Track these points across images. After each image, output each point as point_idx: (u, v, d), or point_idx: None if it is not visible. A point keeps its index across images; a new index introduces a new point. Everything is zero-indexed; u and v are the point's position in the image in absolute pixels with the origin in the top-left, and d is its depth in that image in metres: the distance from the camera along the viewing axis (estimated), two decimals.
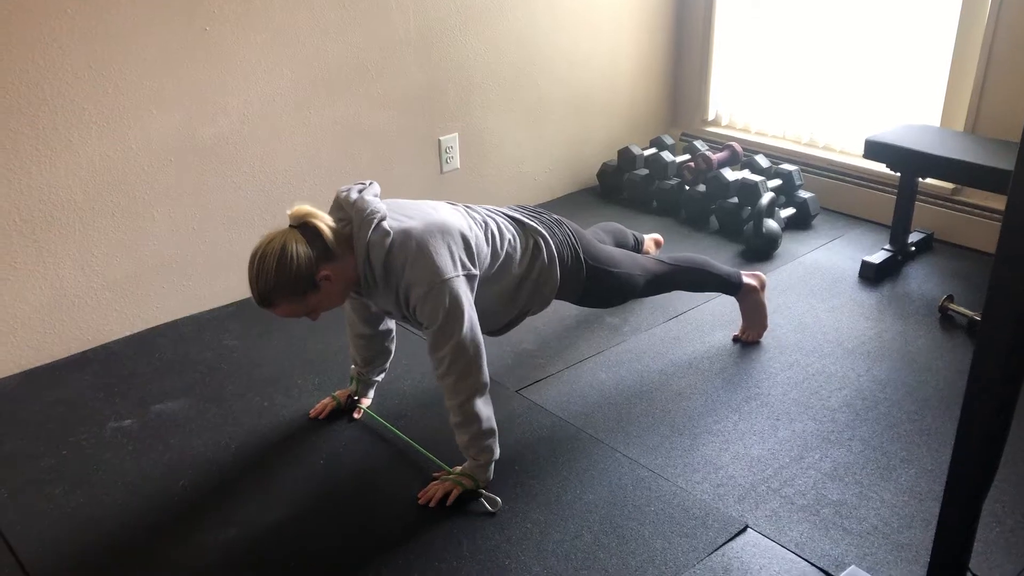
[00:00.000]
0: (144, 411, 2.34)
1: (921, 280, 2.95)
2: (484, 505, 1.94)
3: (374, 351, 2.22)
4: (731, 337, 2.60)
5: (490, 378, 1.94)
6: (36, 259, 2.47)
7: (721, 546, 1.83)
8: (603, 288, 2.27)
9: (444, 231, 1.87)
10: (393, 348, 2.27)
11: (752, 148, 3.72)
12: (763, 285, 2.57)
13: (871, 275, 2.95)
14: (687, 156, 3.69)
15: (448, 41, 3.15)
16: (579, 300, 2.28)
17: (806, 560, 1.79)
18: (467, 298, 1.86)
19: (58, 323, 2.56)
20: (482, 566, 1.79)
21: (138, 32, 2.46)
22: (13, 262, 2.43)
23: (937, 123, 3.15)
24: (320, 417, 2.26)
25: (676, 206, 3.54)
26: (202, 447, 2.19)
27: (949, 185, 3.15)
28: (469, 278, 1.88)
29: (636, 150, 3.70)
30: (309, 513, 1.96)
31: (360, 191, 1.91)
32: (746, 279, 2.53)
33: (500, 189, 3.52)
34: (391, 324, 2.24)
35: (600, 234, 2.63)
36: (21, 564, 1.83)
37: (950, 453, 1.31)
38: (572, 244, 2.17)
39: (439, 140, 3.26)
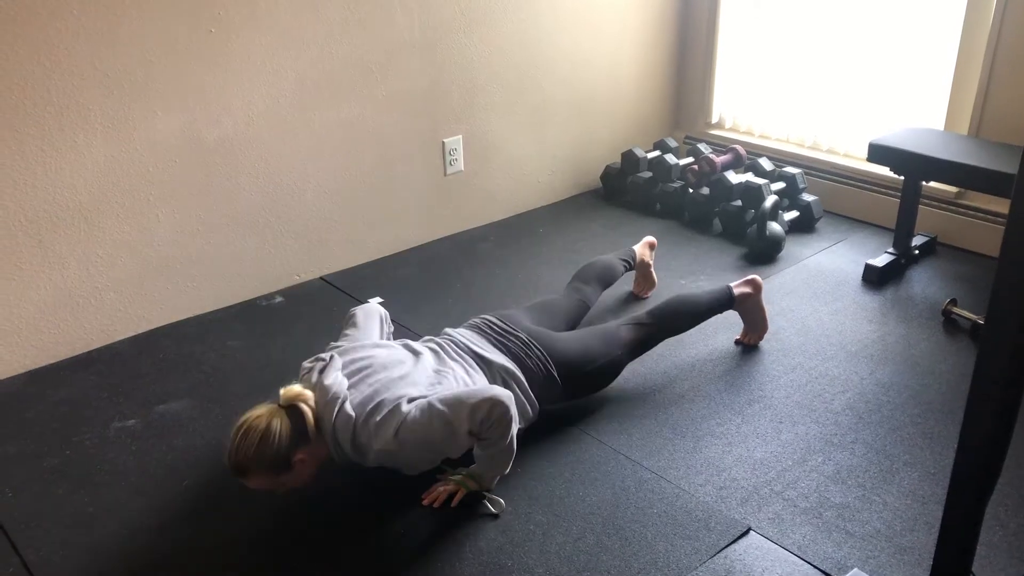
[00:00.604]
0: (148, 411, 2.34)
1: (924, 284, 2.94)
2: (487, 507, 1.94)
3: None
4: (733, 340, 2.60)
5: (515, 415, 1.92)
6: (41, 259, 2.47)
7: (724, 548, 1.83)
8: (587, 385, 2.26)
9: (399, 394, 1.87)
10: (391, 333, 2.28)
11: (756, 151, 3.72)
12: (758, 288, 2.53)
13: (874, 278, 2.95)
14: (691, 159, 3.69)
15: (452, 43, 3.15)
16: (567, 400, 2.24)
17: (808, 563, 1.79)
18: (431, 401, 1.84)
19: (62, 323, 2.57)
20: (484, 568, 1.79)
21: (144, 34, 2.47)
22: (18, 262, 2.44)
23: (941, 126, 3.15)
24: None
25: (679, 209, 3.54)
26: (205, 448, 2.19)
27: (953, 188, 3.15)
28: (422, 398, 1.88)
29: (640, 153, 3.70)
30: (311, 515, 1.96)
31: (322, 370, 1.93)
32: (737, 290, 2.49)
33: (503, 192, 3.53)
34: (388, 321, 2.26)
35: (580, 292, 2.55)
36: (25, 563, 1.83)
37: (953, 456, 1.31)
38: (543, 365, 2.13)
39: (443, 142, 3.26)
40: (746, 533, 1.87)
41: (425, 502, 1.95)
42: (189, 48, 2.56)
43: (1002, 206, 3.05)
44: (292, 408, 1.86)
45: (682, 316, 2.41)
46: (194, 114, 2.63)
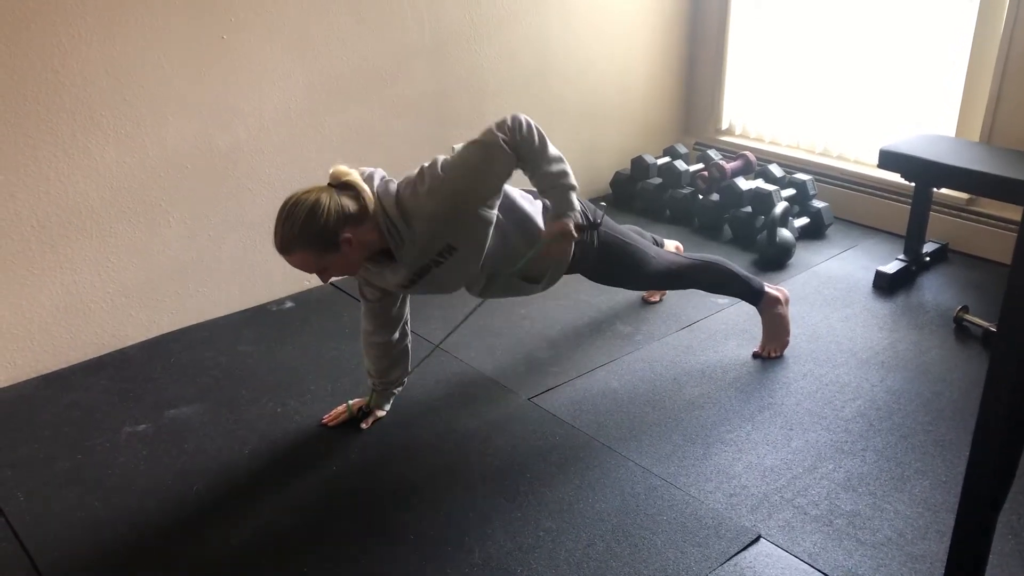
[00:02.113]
0: (159, 416, 2.35)
1: (936, 290, 2.93)
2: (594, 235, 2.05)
3: (389, 360, 2.22)
4: (751, 352, 2.57)
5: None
6: (53, 264, 2.49)
7: (734, 556, 1.82)
8: (616, 259, 2.27)
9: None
10: (409, 351, 2.27)
11: (766, 157, 3.72)
12: (787, 300, 2.53)
13: (885, 285, 2.94)
14: (701, 165, 3.69)
15: (462, 49, 3.16)
16: (593, 270, 2.27)
17: (819, 571, 1.78)
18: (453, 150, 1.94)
19: (74, 328, 2.58)
20: (494, 574, 1.79)
21: (156, 40, 2.48)
22: (31, 267, 2.45)
23: (952, 133, 3.14)
24: (331, 425, 2.27)
25: (689, 215, 3.54)
26: (216, 452, 2.20)
27: (964, 195, 3.14)
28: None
29: (649, 159, 3.70)
30: (321, 518, 1.96)
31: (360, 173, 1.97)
32: (769, 289, 2.51)
33: None
34: (406, 330, 2.24)
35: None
36: (36, 567, 1.84)
37: (965, 464, 1.31)
38: (586, 212, 2.16)
39: (453, 148, 3.26)
40: (756, 540, 1.86)
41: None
42: (201, 54, 2.57)
43: (1014, 213, 3.03)
44: (343, 186, 1.87)
45: (716, 270, 2.46)
46: (206, 120, 2.64)
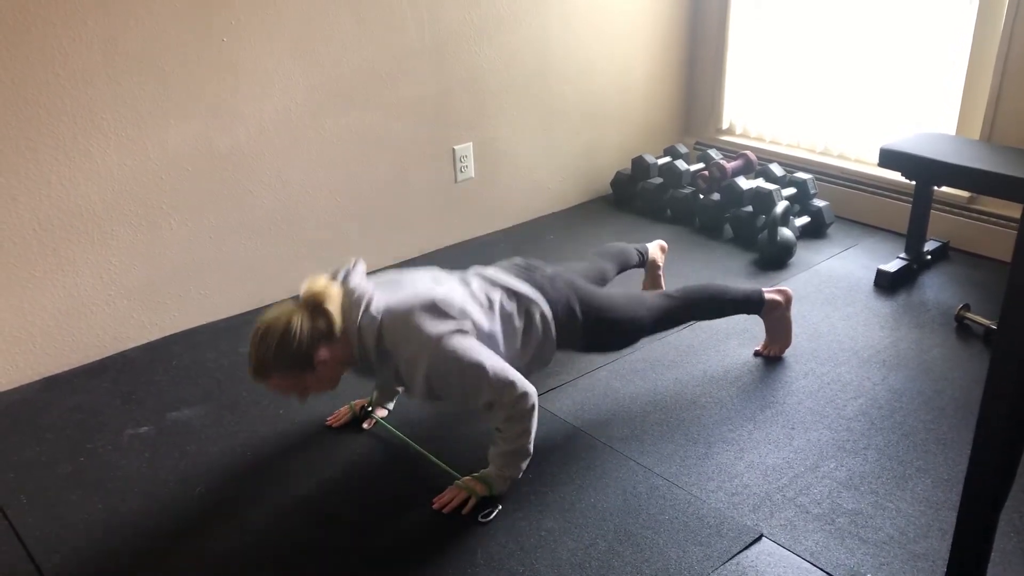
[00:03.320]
0: (160, 418, 2.35)
1: (937, 289, 2.93)
2: (480, 513, 1.94)
3: None
4: (752, 351, 2.58)
5: (536, 403, 1.93)
6: (55, 267, 2.49)
7: (736, 555, 1.82)
8: (605, 335, 2.24)
9: (431, 299, 1.87)
10: None
11: (766, 157, 3.72)
12: (788, 300, 2.51)
13: (886, 284, 2.94)
14: (701, 165, 3.69)
15: (463, 51, 3.16)
16: (583, 349, 2.25)
17: (821, 569, 1.78)
18: (471, 344, 1.86)
19: (76, 331, 2.59)
20: (496, 574, 1.79)
21: (157, 43, 2.48)
22: (32, 270, 2.45)
23: (952, 131, 3.14)
24: (335, 426, 2.27)
25: (690, 215, 3.54)
26: (218, 454, 2.20)
27: (965, 193, 3.14)
28: (460, 332, 1.87)
29: (650, 159, 3.71)
30: (324, 520, 1.96)
31: (346, 274, 1.92)
32: (769, 295, 2.47)
33: (514, 199, 3.53)
34: None
35: (600, 262, 2.57)
36: (39, 569, 1.84)
37: (967, 462, 1.31)
38: (566, 300, 2.13)
39: (453, 149, 3.27)
40: (758, 539, 1.86)
41: (436, 506, 1.96)
42: (202, 57, 2.58)
43: (1014, 211, 3.03)
44: (314, 306, 1.83)
45: (709, 300, 2.40)
46: (207, 122, 2.65)
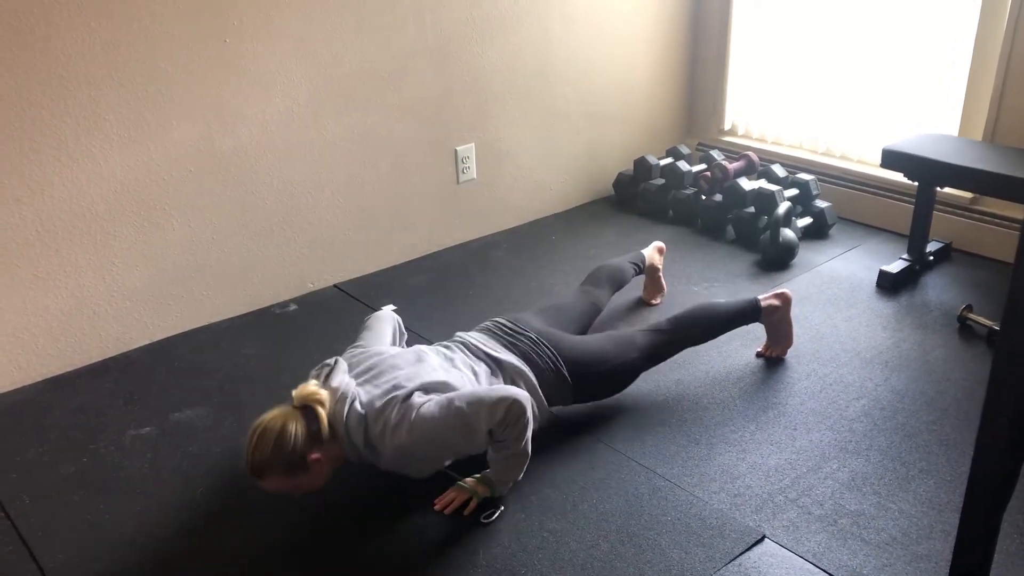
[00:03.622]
0: (163, 419, 2.35)
1: (939, 290, 2.93)
2: (482, 515, 1.94)
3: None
4: (754, 352, 2.58)
5: (530, 412, 1.93)
6: (58, 268, 2.49)
7: (738, 556, 1.82)
8: (597, 387, 2.24)
9: (410, 388, 1.88)
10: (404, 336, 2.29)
11: (768, 158, 3.72)
12: (787, 302, 2.49)
13: (888, 285, 2.94)
14: (703, 166, 3.69)
15: (465, 52, 3.17)
16: (576, 401, 2.24)
17: (824, 571, 1.78)
18: (441, 400, 1.86)
19: (79, 331, 2.59)
20: (498, 575, 1.79)
21: (159, 44, 2.49)
22: (35, 271, 2.46)
23: (955, 132, 3.14)
24: None
25: (692, 216, 3.54)
26: (220, 455, 2.20)
27: (967, 194, 3.13)
28: (425, 396, 1.89)
29: (652, 160, 3.70)
30: (325, 520, 1.96)
31: (328, 375, 1.93)
32: (765, 302, 2.46)
33: (516, 199, 3.53)
34: (401, 328, 2.26)
35: (592, 293, 2.56)
36: (41, 570, 1.85)
37: (969, 463, 1.31)
38: (552, 363, 2.13)
39: (456, 150, 3.28)
40: (760, 541, 1.86)
41: (437, 507, 1.96)
42: (204, 58, 2.58)
43: (1017, 212, 3.03)
44: (306, 408, 1.86)
45: (702, 325, 2.37)
46: (209, 123, 2.65)
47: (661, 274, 2.87)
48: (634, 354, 2.25)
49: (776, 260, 3.14)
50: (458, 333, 2.21)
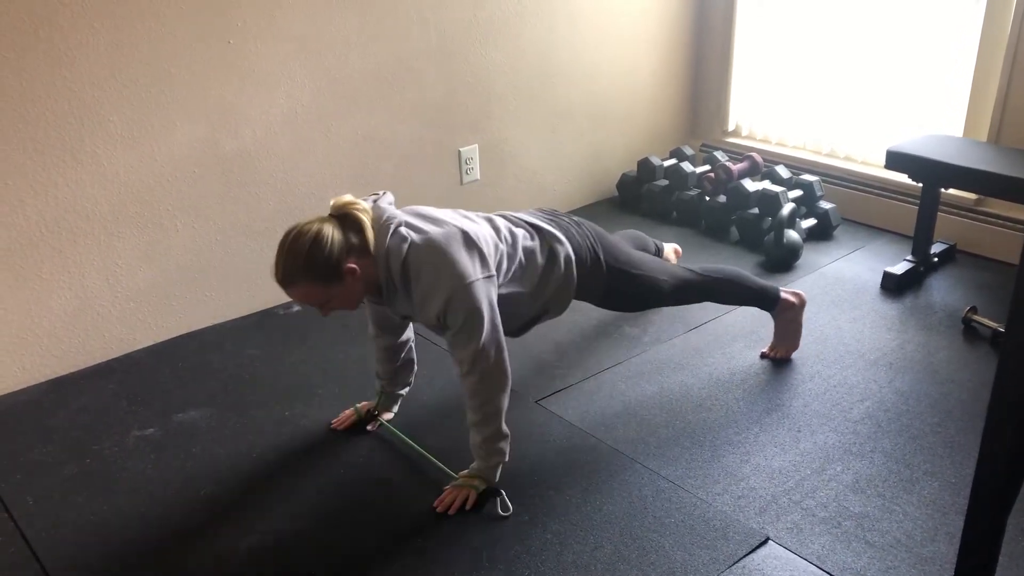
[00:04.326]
0: (167, 420, 2.36)
1: (944, 291, 2.92)
2: (497, 508, 1.94)
3: (398, 361, 2.23)
4: (758, 353, 2.57)
5: (510, 388, 1.94)
6: (61, 269, 2.50)
7: (742, 558, 1.82)
8: (625, 290, 2.24)
9: (461, 236, 1.86)
10: (415, 359, 2.27)
11: (772, 159, 3.71)
12: (803, 304, 2.50)
13: (893, 286, 2.93)
14: (707, 167, 3.69)
15: (468, 53, 3.17)
16: (601, 302, 2.25)
17: (827, 573, 1.77)
18: (487, 301, 1.86)
19: (83, 332, 2.59)
20: None
21: (163, 46, 2.49)
22: (39, 272, 2.46)
23: (960, 133, 3.13)
24: (340, 429, 2.27)
25: (696, 217, 3.53)
26: (224, 456, 2.20)
27: (972, 195, 3.13)
28: (487, 280, 1.88)
29: (656, 161, 3.70)
30: (329, 523, 1.96)
31: (375, 200, 1.93)
32: (784, 295, 2.47)
33: (519, 200, 3.53)
34: (410, 333, 2.24)
35: (621, 241, 2.62)
36: (45, 570, 1.85)
37: (974, 466, 1.30)
38: (591, 246, 2.16)
39: (459, 151, 3.28)
40: (764, 543, 1.86)
41: (439, 509, 1.96)
42: (208, 59, 2.58)
43: (1022, 213, 3.02)
44: (345, 217, 1.82)
45: (728, 284, 2.41)
46: (213, 124, 2.65)
47: None
48: (665, 277, 2.28)
49: (780, 261, 3.13)
50: (499, 211, 2.20)
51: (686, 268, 2.39)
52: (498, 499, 1.96)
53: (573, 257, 2.11)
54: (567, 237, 2.12)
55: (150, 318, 2.71)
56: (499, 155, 3.40)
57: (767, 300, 2.46)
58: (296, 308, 2.95)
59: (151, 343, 2.74)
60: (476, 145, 3.31)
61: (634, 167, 3.85)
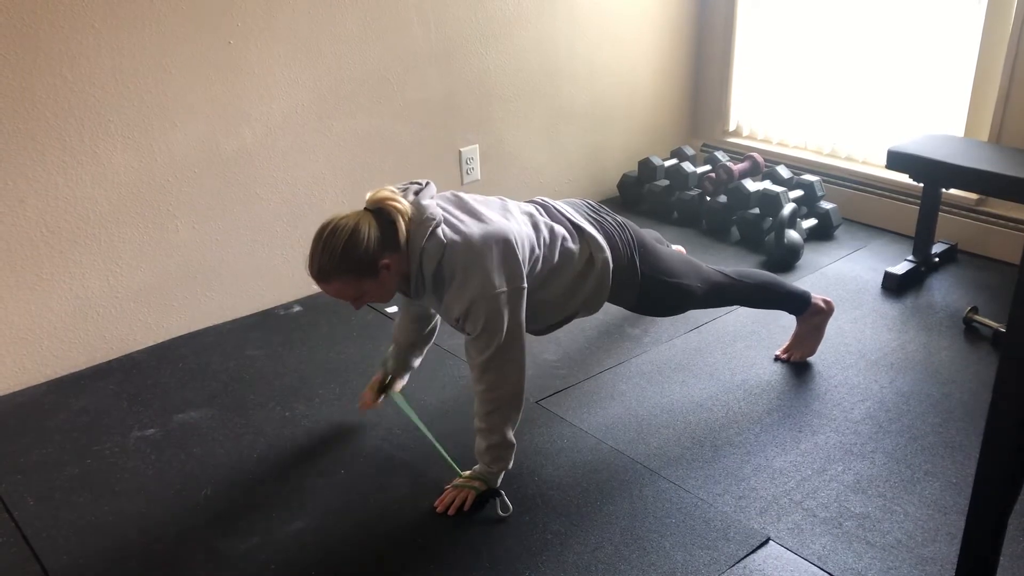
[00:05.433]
0: (167, 420, 2.35)
1: (945, 291, 2.92)
2: (497, 509, 1.94)
3: (420, 334, 2.22)
4: (759, 353, 2.56)
5: (523, 402, 1.93)
6: (62, 269, 2.50)
7: (743, 559, 1.81)
8: (657, 297, 2.22)
9: (497, 241, 1.83)
10: (437, 329, 2.27)
11: (773, 159, 3.71)
12: (831, 311, 2.48)
13: (894, 286, 2.93)
14: (708, 167, 3.68)
15: (469, 53, 3.16)
16: (633, 308, 2.23)
17: (828, 573, 1.77)
18: (509, 312, 1.84)
19: (83, 333, 2.59)
20: None
21: (163, 45, 2.49)
22: (39, 272, 2.46)
23: (961, 133, 3.13)
24: (370, 407, 2.25)
25: (697, 217, 3.53)
26: (224, 456, 2.20)
27: (973, 195, 3.12)
28: (516, 291, 1.85)
29: (656, 161, 3.70)
30: (330, 523, 1.96)
31: (417, 192, 1.89)
32: (815, 299, 2.44)
33: (520, 200, 3.52)
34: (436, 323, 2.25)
35: (657, 245, 2.58)
36: (46, 571, 1.85)
37: (975, 466, 1.30)
38: (629, 252, 2.12)
39: (460, 151, 3.27)
40: (765, 543, 1.86)
41: (439, 509, 1.95)
42: (208, 59, 2.58)
43: (1023, 213, 3.02)
44: (380, 212, 1.81)
45: (762, 288, 2.39)
46: (213, 125, 2.65)
47: None
48: (697, 283, 2.25)
49: (781, 262, 3.13)
50: (539, 197, 2.17)
51: (719, 271, 2.34)
52: (498, 499, 1.97)
53: (612, 265, 2.07)
54: (609, 244, 2.08)
55: (150, 318, 2.71)
56: (500, 155, 3.40)
57: (798, 304, 2.44)
58: (297, 308, 2.95)
59: (151, 343, 2.74)
60: (476, 145, 3.31)
61: (635, 167, 3.85)
